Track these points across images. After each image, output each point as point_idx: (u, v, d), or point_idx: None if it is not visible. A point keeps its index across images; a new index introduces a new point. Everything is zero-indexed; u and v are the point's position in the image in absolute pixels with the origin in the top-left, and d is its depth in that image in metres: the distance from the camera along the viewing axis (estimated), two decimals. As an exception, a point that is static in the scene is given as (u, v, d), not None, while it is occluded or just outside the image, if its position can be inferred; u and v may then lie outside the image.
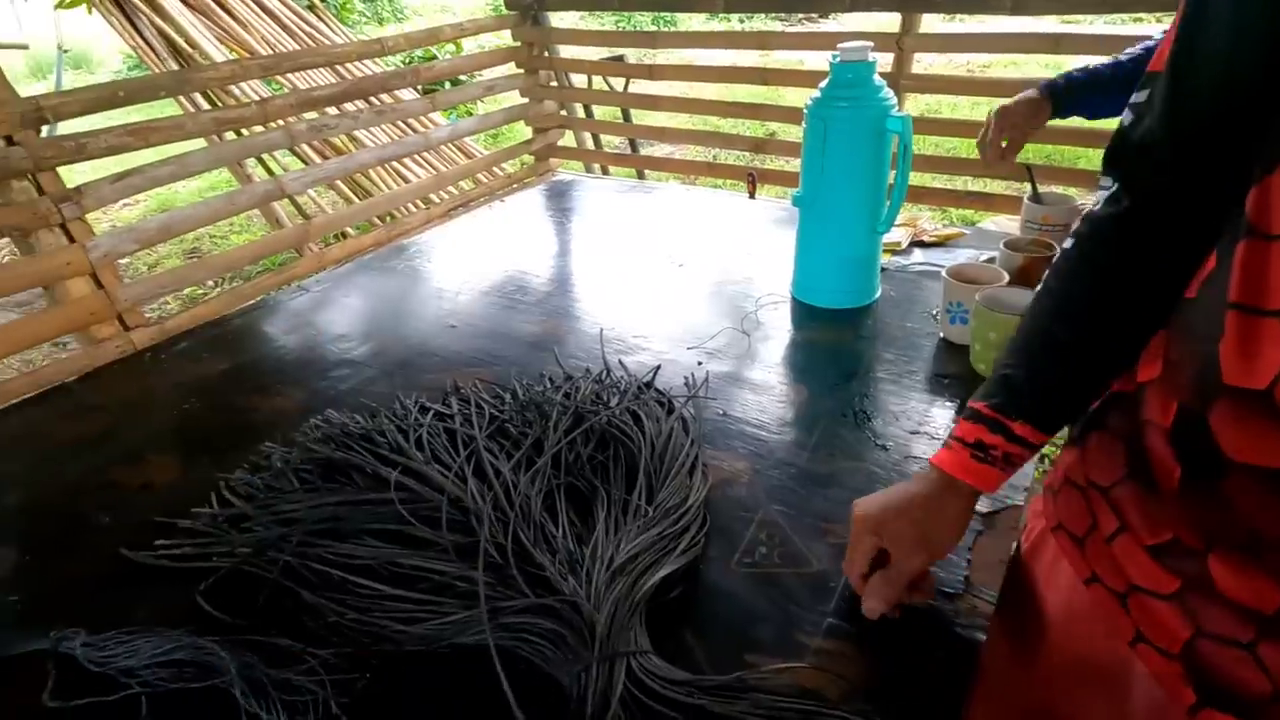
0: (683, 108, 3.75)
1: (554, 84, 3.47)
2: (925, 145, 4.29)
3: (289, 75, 3.54)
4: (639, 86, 4.01)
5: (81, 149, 1.92)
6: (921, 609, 0.57)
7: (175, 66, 3.57)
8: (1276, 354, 0.34)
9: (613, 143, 4.22)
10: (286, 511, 0.67)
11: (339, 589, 0.59)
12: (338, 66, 3.60)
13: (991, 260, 1.02)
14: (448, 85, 4.47)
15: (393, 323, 1.13)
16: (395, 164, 3.63)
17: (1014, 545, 0.62)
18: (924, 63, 5.65)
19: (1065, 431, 0.55)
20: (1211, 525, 0.38)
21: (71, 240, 1.94)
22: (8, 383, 1.86)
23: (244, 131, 2.72)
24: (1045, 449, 0.60)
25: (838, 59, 0.94)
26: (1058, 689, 0.50)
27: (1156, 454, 0.41)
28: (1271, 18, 0.36)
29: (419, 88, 3.44)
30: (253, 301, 1.24)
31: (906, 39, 2.44)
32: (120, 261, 2.24)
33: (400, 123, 3.63)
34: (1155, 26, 2.35)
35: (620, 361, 0.95)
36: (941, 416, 0.82)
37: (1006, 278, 0.93)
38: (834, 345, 0.99)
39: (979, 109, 4.97)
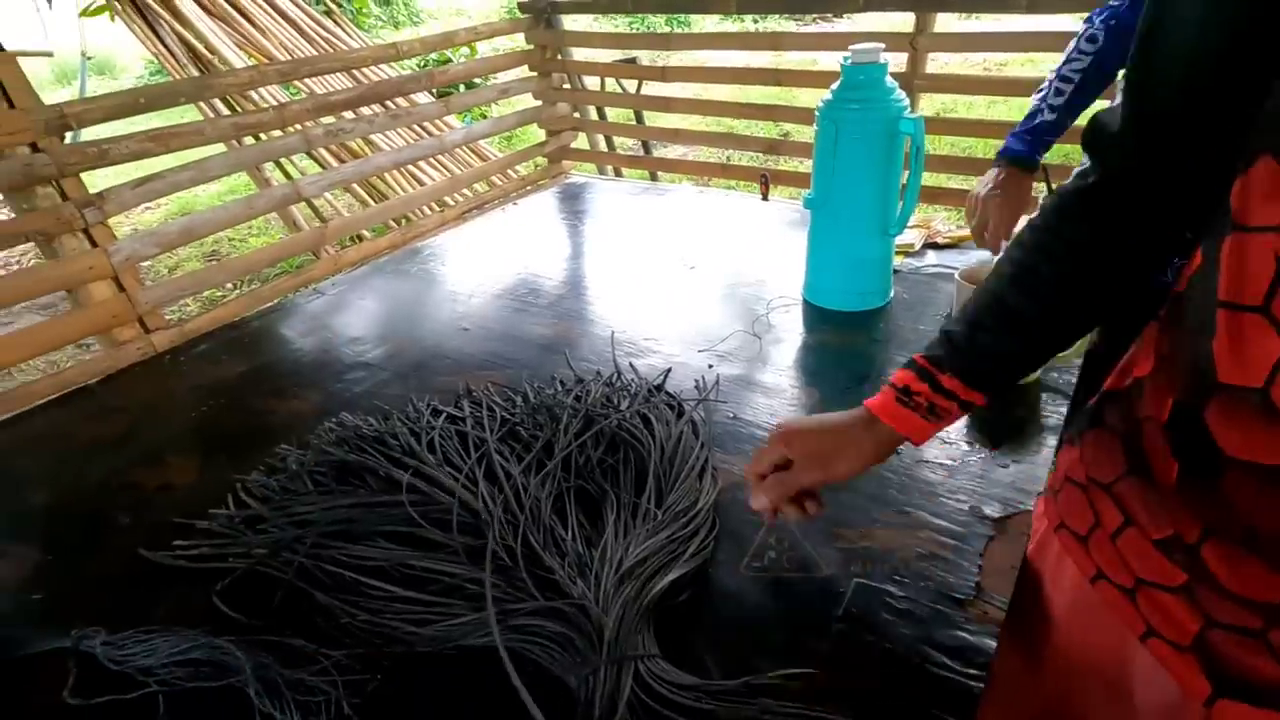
0: (695, 109, 3.75)
1: (567, 86, 3.48)
2: (940, 145, 4.25)
3: (306, 80, 3.59)
4: (652, 88, 4.02)
5: (104, 155, 1.96)
6: (928, 611, 0.57)
7: (195, 72, 3.63)
8: (1267, 350, 0.33)
9: (626, 145, 4.22)
10: (301, 513, 0.68)
11: (351, 590, 0.60)
12: (354, 71, 3.64)
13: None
14: (462, 89, 4.51)
15: (407, 325, 1.14)
16: (410, 167, 3.66)
17: (1025, 551, 0.62)
18: (939, 61, 5.61)
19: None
20: (1209, 520, 0.38)
21: (94, 245, 1.97)
22: (33, 384, 1.90)
23: (262, 136, 2.76)
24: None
25: (849, 61, 0.93)
26: (1065, 690, 0.50)
27: (1154, 450, 0.41)
28: (1232, 11, 0.36)
29: (434, 91, 3.47)
30: (270, 304, 1.26)
31: (920, 39, 2.42)
32: (142, 264, 2.28)
33: (415, 126, 3.66)
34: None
35: (631, 364, 0.96)
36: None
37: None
38: (846, 348, 0.98)
39: (995, 108, 4.92)
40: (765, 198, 1.66)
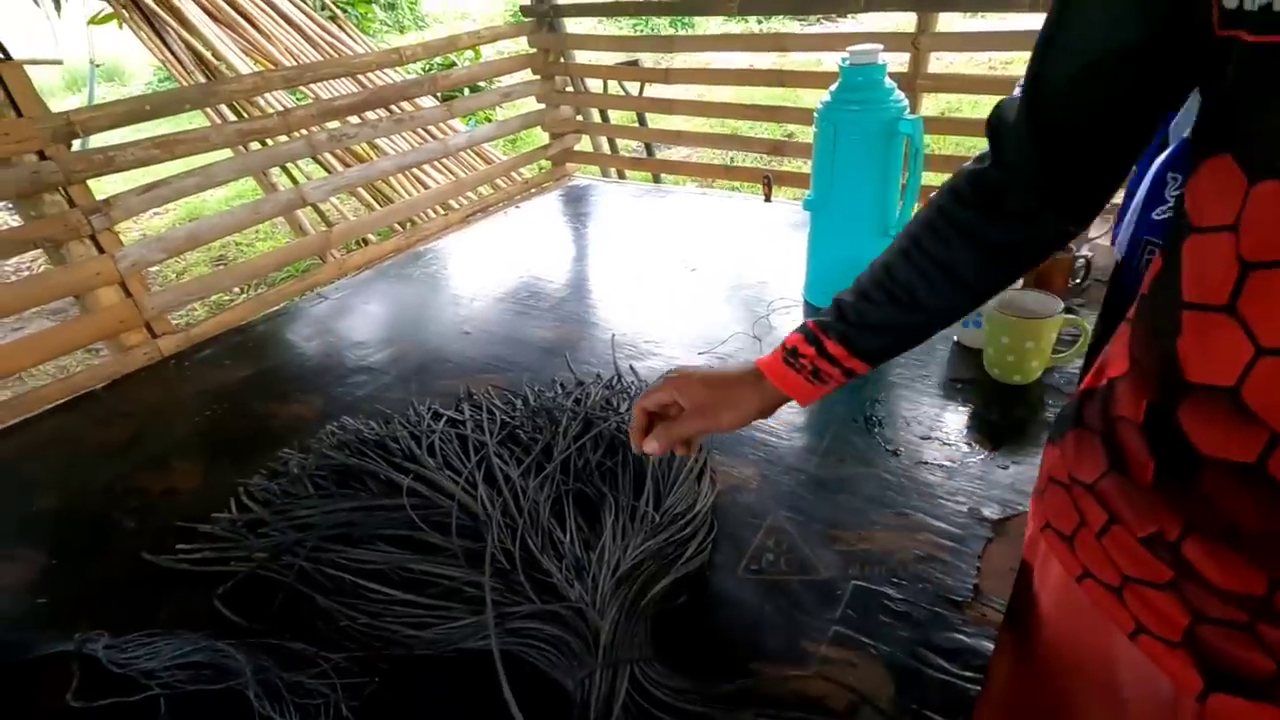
0: (698, 111, 3.75)
1: (570, 89, 3.49)
2: (945, 145, 4.24)
3: (311, 86, 3.61)
4: (655, 90, 4.02)
5: (110, 162, 1.98)
6: (926, 614, 0.57)
7: (202, 79, 3.66)
8: (1236, 349, 0.33)
9: (629, 147, 4.23)
10: (302, 517, 0.69)
11: (351, 593, 0.61)
12: (358, 76, 3.65)
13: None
14: (466, 92, 4.52)
15: (409, 329, 1.15)
16: (415, 171, 3.68)
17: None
18: (944, 61, 5.59)
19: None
20: (1189, 517, 0.38)
21: (101, 251, 1.99)
22: (42, 389, 1.92)
23: (268, 141, 2.78)
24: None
25: (847, 62, 0.93)
26: (1057, 689, 0.50)
27: (1131, 449, 0.41)
28: (1130, 16, 0.37)
29: (437, 95, 3.48)
30: (275, 309, 1.26)
31: (922, 38, 2.42)
32: (151, 269, 2.30)
33: (419, 130, 3.67)
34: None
35: (631, 367, 0.96)
36: (954, 421, 0.81)
37: (1021, 281, 0.92)
38: (846, 349, 0.98)
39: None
40: (768, 199, 1.66)
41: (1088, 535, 0.45)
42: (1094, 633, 0.46)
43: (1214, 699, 0.39)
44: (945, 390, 0.87)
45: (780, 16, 8.18)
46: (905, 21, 2.49)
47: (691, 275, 1.24)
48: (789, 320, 1.06)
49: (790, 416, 0.84)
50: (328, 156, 3.52)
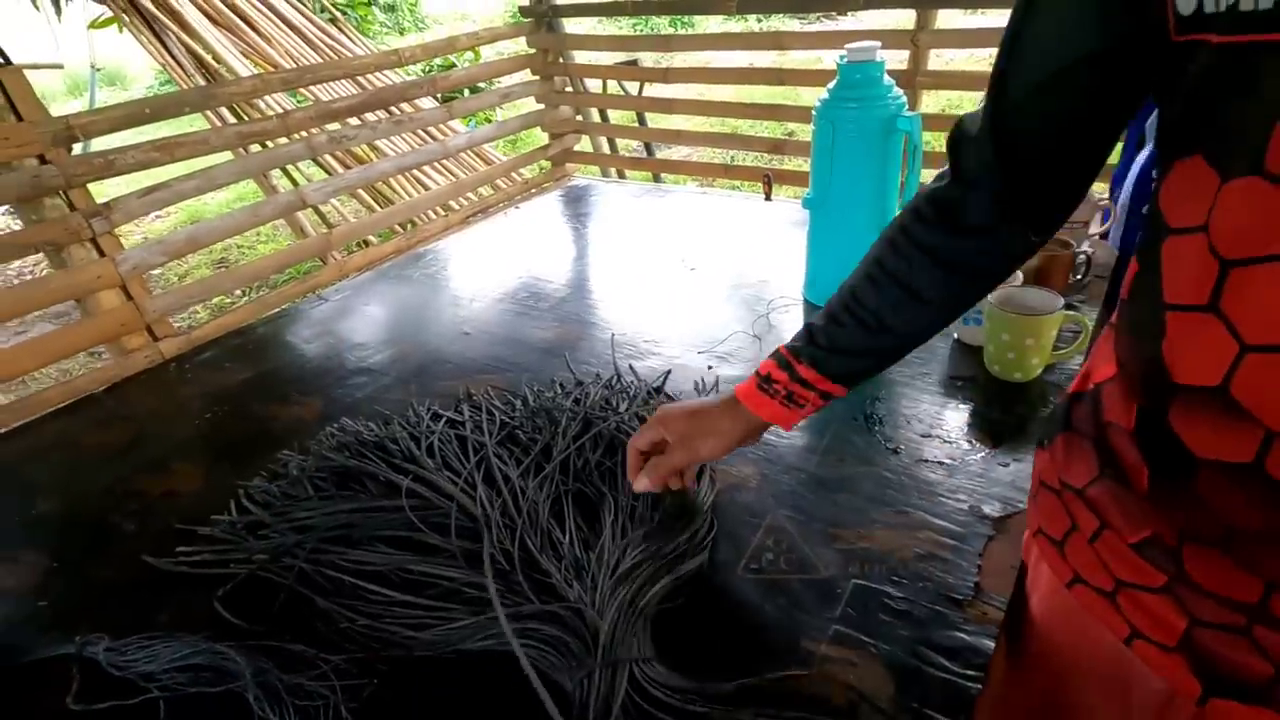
0: (698, 110, 3.75)
1: (569, 89, 3.49)
2: (944, 142, 4.22)
3: (311, 88, 3.62)
4: (654, 90, 4.02)
5: (111, 165, 1.98)
6: (927, 612, 0.57)
7: (203, 81, 3.67)
8: (1220, 350, 0.33)
9: (629, 146, 4.23)
10: (301, 519, 0.69)
11: (350, 595, 0.61)
12: (358, 78, 3.66)
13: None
14: (465, 93, 4.52)
15: (409, 330, 1.15)
16: (415, 172, 3.68)
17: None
18: (944, 58, 5.58)
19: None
20: (1184, 522, 0.38)
21: (102, 254, 1.99)
22: (44, 392, 1.92)
23: (268, 144, 2.78)
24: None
25: (845, 59, 0.93)
26: (1049, 692, 0.50)
27: (1124, 455, 0.41)
28: (1092, 24, 0.38)
29: (437, 96, 3.48)
30: (275, 311, 1.26)
31: (921, 35, 2.41)
32: (153, 272, 2.30)
33: (419, 131, 3.68)
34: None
35: (631, 366, 0.96)
36: (954, 419, 0.81)
37: (1021, 278, 0.92)
38: (846, 348, 0.98)
39: (1001, 103, 4.88)
40: (769, 198, 1.65)
41: (1079, 540, 0.45)
42: (1086, 638, 0.46)
43: (1213, 703, 0.39)
44: (945, 388, 0.86)
45: (780, 15, 8.18)
46: (904, 19, 2.48)
47: (691, 274, 1.24)
48: (789, 319, 1.06)
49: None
50: (328, 158, 3.53)
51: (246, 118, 3.43)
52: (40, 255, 3.81)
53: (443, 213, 3.38)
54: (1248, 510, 0.35)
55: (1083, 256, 1.01)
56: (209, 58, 3.72)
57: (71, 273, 1.95)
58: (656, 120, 3.80)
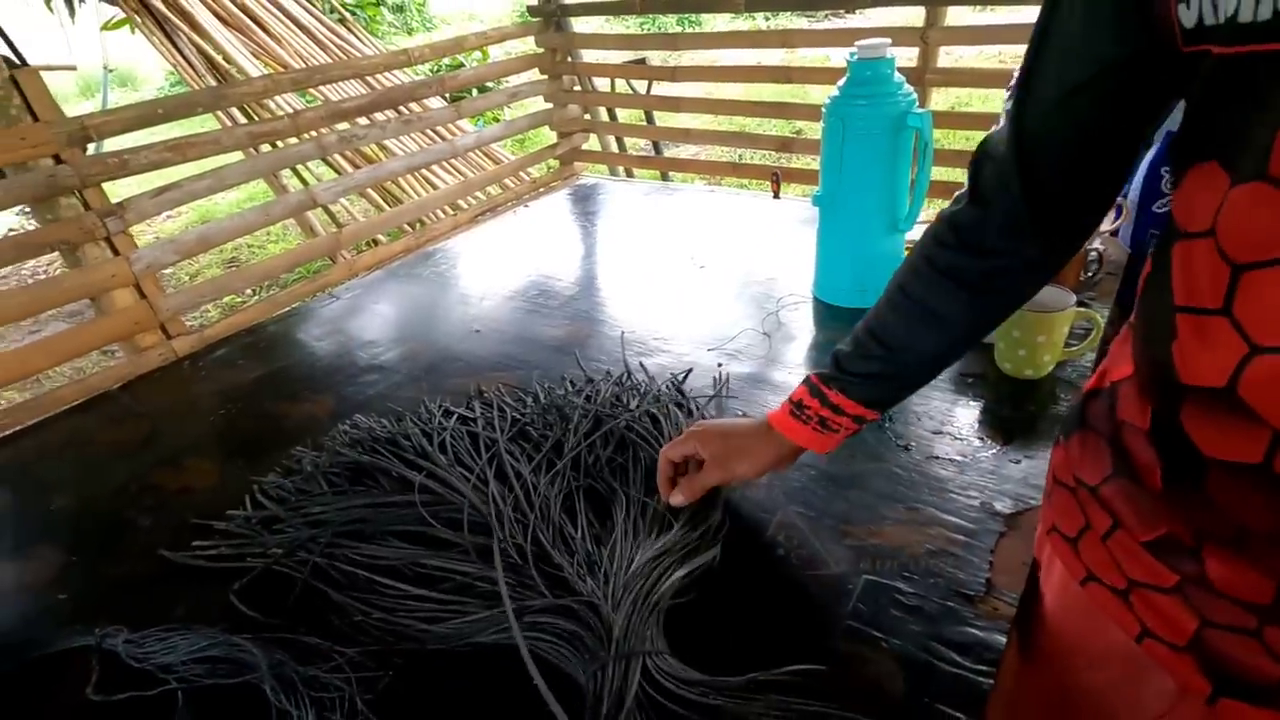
0: (706, 108, 3.75)
1: (577, 88, 3.50)
2: (955, 140, 4.21)
3: (321, 88, 3.64)
4: (662, 89, 4.02)
5: (124, 165, 2.00)
6: (938, 608, 0.57)
7: (213, 82, 3.69)
8: (1229, 352, 0.34)
9: (637, 145, 4.23)
10: (316, 514, 0.70)
11: (365, 589, 0.61)
12: (367, 78, 3.68)
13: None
14: (474, 93, 4.54)
15: (420, 329, 1.15)
16: (424, 171, 3.69)
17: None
18: (954, 55, 5.55)
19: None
20: (1199, 522, 0.38)
21: (116, 253, 2.02)
22: (59, 390, 1.95)
23: (278, 144, 2.80)
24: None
25: (855, 56, 0.93)
26: (1067, 688, 0.50)
27: (1138, 454, 0.41)
28: (1108, 33, 0.38)
29: (445, 96, 3.50)
30: (287, 309, 1.27)
31: (931, 32, 2.41)
32: (165, 272, 2.33)
33: (428, 131, 3.69)
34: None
35: (641, 364, 0.96)
36: (965, 416, 0.81)
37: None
38: (856, 345, 0.98)
39: (1009, 101, 4.85)
40: (777, 195, 1.65)
41: (1093, 538, 0.45)
42: (1094, 634, 0.46)
43: (1222, 703, 0.39)
44: (956, 385, 0.86)
45: (788, 13, 8.16)
46: (914, 16, 2.47)
47: (700, 272, 1.24)
48: (799, 316, 1.06)
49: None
50: (337, 158, 3.55)
51: (257, 118, 3.45)
52: (53, 255, 3.85)
53: (451, 212, 3.40)
54: (1257, 510, 0.35)
55: (1094, 254, 1.01)
56: (220, 58, 3.74)
57: (86, 271, 1.97)
58: (664, 119, 3.80)
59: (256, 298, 3.50)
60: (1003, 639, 0.54)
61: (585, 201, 1.67)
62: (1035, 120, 0.44)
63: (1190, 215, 0.36)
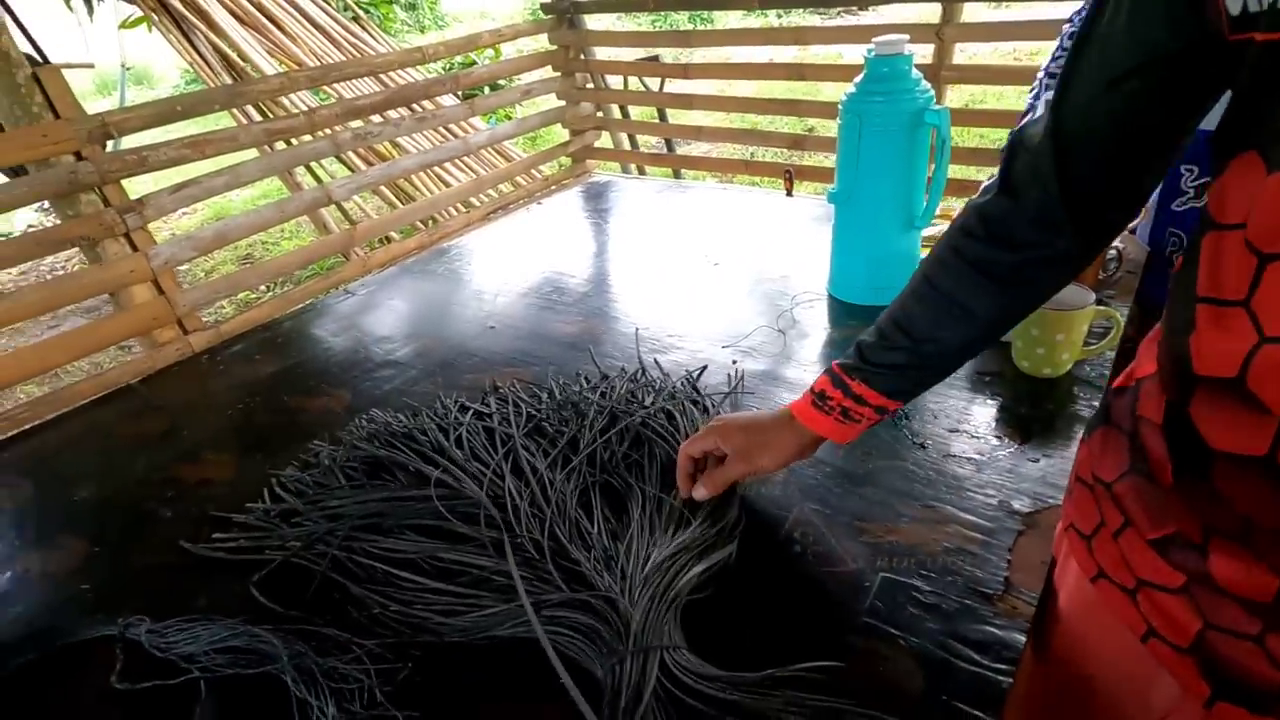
0: (718, 106, 3.74)
1: (590, 86, 3.50)
2: (969, 137, 4.18)
3: (335, 85, 3.66)
4: (675, 86, 4.01)
5: (144, 162, 2.02)
6: (956, 606, 0.57)
7: (229, 80, 3.72)
8: (1241, 342, 0.34)
9: (649, 143, 4.23)
10: (334, 507, 0.70)
11: (383, 582, 0.62)
12: (381, 75, 3.70)
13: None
14: (486, 90, 4.55)
15: (434, 324, 1.16)
16: (436, 169, 3.71)
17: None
18: (968, 52, 5.50)
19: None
20: (1207, 517, 0.38)
21: (135, 249, 2.04)
22: (77, 384, 1.97)
23: (293, 141, 2.82)
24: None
25: (873, 53, 0.93)
26: (1078, 685, 0.50)
27: (1152, 449, 0.41)
28: (1157, 29, 0.37)
29: (459, 94, 3.51)
30: (301, 305, 1.28)
31: (947, 29, 2.39)
32: (179, 268, 2.35)
33: (441, 128, 3.71)
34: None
35: (656, 361, 0.96)
36: (982, 414, 0.80)
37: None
38: (871, 343, 0.98)
39: (1024, 98, 4.82)
40: (790, 193, 1.65)
41: (1106, 535, 0.45)
42: (1108, 633, 0.46)
43: (1219, 707, 0.39)
44: (973, 383, 0.86)
45: (800, 9, 8.12)
46: (929, 12, 2.46)
47: (714, 269, 1.24)
48: (813, 314, 1.06)
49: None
50: (351, 155, 3.57)
51: (272, 115, 3.48)
52: (69, 252, 3.90)
53: (464, 209, 3.41)
54: (1263, 503, 0.35)
55: (1114, 252, 1.00)
56: (235, 56, 3.77)
57: (105, 267, 2.00)
58: (677, 116, 3.79)
59: (271, 294, 3.53)
60: (1022, 638, 0.54)
61: (597, 199, 1.67)
62: (1076, 110, 0.44)
63: (1223, 207, 0.35)
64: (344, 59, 3.94)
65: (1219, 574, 0.37)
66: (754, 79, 4.76)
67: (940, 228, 1.24)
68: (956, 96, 4.60)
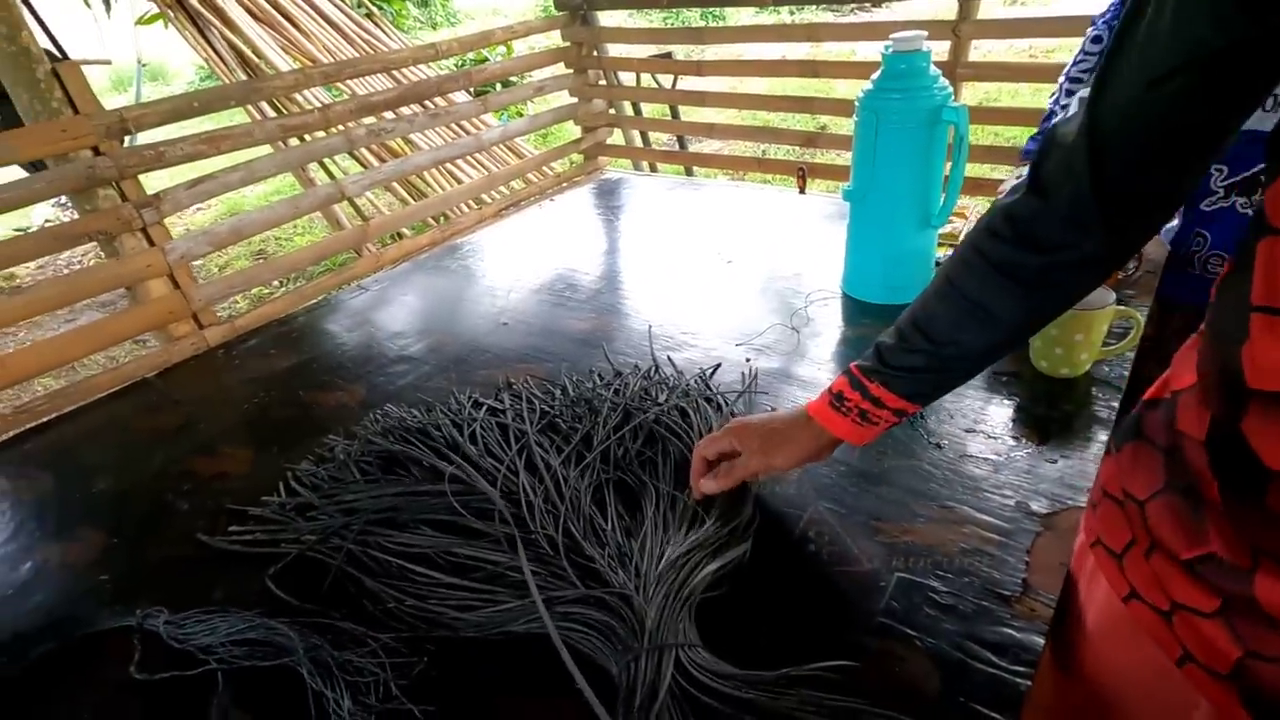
0: (731, 103, 3.72)
1: (602, 83, 3.49)
2: (984, 135, 4.14)
3: (348, 82, 3.68)
4: (687, 83, 4.00)
5: (161, 157, 2.04)
6: (973, 607, 0.56)
7: (244, 76, 3.75)
8: None
9: (661, 140, 4.22)
10: (349, 501, 0.70)
11: (398, 576, 0.62)
12: (394, 72, 3.71)
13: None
14: (499, 87, 4.55)
15: (447, 320, 1.16)
16: (449, 165, 3.72)
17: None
18: (983, 49, 5.45)
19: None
20: (1257, 539, 0.37)
21: (151, 244, 2.06)
22: (94, 378, 1.99)
23: (307, 137, 2.84)
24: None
25: (890, 49, 0.92)
26: (1108, 707, 0.49)
27: (1195, 467, 0.39)
28: (1208, 36, 0.36)
29: (471, 90, 3.52)
30: (315, 300, 1.29)
31: (963, 25, 2.36)
32: (194, 263, 2.37)
33: (453, 125, 3.71)
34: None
35: (669, 358, 0.96)
36: (998, 414, 0.79)
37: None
38: (886, 342, 0.97)
39: (1040, 96, 4.77)
40: (803, 191, 1.64)
41: (1138, 554, 0.44)
42: (1139, 654, 0.45)
43: None
44: (990, 383, 0.85)
45: (813, 6, 8.06)
46: (944, 9, 2.43)
47: (727, 267, 1.24)
48: (827, 312, 1.05)
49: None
50: (364, 152, 3.58)
51: (286, 111, 3.50)
52: (86, 246, 3.94)
53: (475, 206, 3.42)
54: None
55: (1134, 251, 0.98)
56: (250, 53, 3.80)
57: (122, 262, 2.01)
58: (689, 113, 3.78)
59: (284, 289, 3.55)
60: (1040, 640, 0.53)
61: (609, 196, 1.67)
62: (1114, 110, 0.42)
63: None
64: (357, 55, 3.96)
65: (1265, 598, 0.36)
66: (767, 76, 4.74)
67: (954, 225, 1.23)
68: (971, 94, 4.56)
